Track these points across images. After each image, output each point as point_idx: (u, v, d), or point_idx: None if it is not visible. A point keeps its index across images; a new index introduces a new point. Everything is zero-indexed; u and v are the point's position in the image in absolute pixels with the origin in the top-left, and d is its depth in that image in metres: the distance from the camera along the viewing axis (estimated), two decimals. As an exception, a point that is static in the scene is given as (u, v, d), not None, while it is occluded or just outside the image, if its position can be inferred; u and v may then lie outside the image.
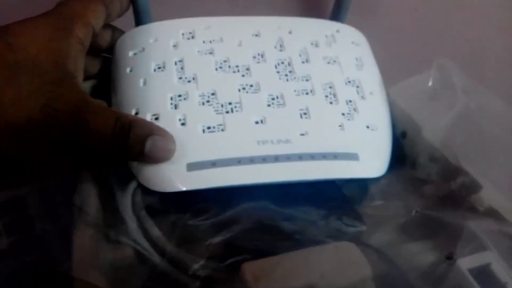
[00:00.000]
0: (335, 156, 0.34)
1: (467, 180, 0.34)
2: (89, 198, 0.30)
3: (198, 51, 0.38)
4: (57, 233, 0.36)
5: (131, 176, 0.33)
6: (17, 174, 0.46)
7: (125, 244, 0.28)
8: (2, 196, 0.39)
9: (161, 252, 0.29)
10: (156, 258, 0.28)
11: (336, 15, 0.45)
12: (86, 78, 0.37)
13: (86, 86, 0.39)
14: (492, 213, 0.34)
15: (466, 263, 0.30)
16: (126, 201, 0.31)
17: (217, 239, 0.29)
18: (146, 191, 0.32)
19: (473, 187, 0.34)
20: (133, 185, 0.33)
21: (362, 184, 0.36)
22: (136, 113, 0.35)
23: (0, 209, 0.38)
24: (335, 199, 0.35)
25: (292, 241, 0.30)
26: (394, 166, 0.37)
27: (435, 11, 0.53)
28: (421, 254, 0.33)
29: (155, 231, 0.30)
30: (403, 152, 0.39)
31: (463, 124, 0.37)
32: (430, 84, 0.40)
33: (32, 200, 0.38)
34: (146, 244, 0.29)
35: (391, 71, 0.42)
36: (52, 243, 0.35)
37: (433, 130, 0.37)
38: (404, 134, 0.39)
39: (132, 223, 0.29)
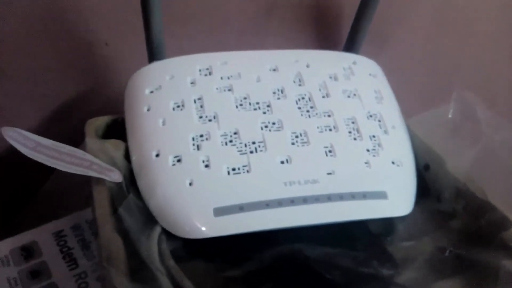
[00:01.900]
0: (364, 196, 0.33)
1: (496, 216, 0.34)
2: (117, 253, 0.28)
3: (217, 88, 0.37)
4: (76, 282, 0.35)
5: (154, 221, 0.32)
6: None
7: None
8: (15, 241, 0.37)
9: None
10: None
11: (350, 46, 0.45)
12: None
13: (101, 124, 0.38)
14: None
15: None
16: (152, 250, 0.30)
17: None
18: (172, 237, 0.31)
19: (504, 223, 0.33)
20: (157, 231, 0.31)
21: (389, 222, 0.36)
22: (157, 155, 0.33)
23: (14, 255, 0.36)
24: (365, 240, 0.34)
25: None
26: (419, 200, 0.36)
27: (447, 40, 0.53)
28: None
29: (187, 283, 0.28)
30: (427, 186, 0.38)
31: (488, 158, 0.36)
32: (450, 116, 0.40)
33: (46, 246, 0.37)
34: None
35: (405, 101, 0.42)
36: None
37: (457, 164, 0.37)
38: (427, 167, 0.38)
39: (162, 277, 0.28)
